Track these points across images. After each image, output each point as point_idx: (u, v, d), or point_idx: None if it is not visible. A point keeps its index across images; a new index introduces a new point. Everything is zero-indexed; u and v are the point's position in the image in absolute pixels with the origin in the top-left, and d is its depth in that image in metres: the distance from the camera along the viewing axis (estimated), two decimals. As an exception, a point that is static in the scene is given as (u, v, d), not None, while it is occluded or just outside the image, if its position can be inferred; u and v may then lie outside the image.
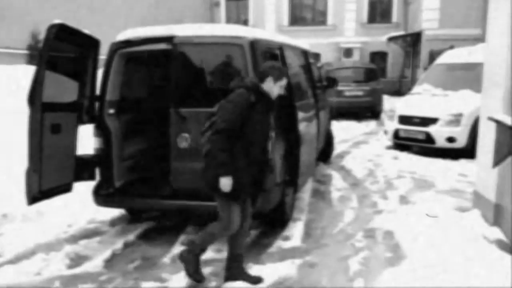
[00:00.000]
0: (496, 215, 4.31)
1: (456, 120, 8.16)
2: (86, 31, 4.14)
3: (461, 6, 17.72)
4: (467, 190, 5.80)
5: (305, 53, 6.60)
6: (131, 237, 4.52)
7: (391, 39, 21.37)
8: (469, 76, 8.44)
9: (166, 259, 4.05)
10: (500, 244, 3.93)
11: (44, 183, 3.81)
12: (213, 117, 3.34)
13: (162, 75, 5.20)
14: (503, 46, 4.25)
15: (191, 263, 3.45)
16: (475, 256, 3.69)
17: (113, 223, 4.90)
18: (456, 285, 3.20)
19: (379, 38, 22.03)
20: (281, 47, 5.03)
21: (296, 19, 24.17)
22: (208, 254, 4.11)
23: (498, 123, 3.72)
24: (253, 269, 3.81)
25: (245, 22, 23.50)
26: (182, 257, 3.49)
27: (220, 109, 3.29)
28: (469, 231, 4.22)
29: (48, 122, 3.81)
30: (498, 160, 3.75)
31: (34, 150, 3.70)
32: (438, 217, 4.66)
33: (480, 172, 4.80)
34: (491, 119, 3.89)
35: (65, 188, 4.13)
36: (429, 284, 3.29)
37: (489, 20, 4.72)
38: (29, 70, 8.12)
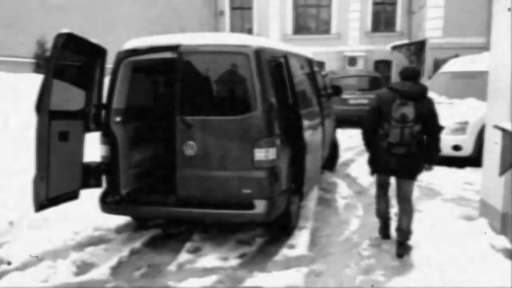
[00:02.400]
0: (503, 224, 4.28)
1: (461, 128, 8.14)
2: (93, 40, 4.19)
3: (465, 15, 17.76)
4: (474, 199, 5.77)
5: (309, 62, 6.63)
6: (137, 244, 4.53)
7: (395, 47, 21.40)
8: (474, 84, 8.43)
9: (172, 267, 4.05)
10: (507, 253, 3.91)
11: (51, 190, 3.83)
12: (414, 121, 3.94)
13: (168, 84, 5.24)
14: (508, 55, 4.26)
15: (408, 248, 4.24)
16: (483, 265, 3.68)
17: (119, 230, 4.91)
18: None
19: (383, 46, 22.07)
20: (286, 55, 5.06)
21: (300, 28, 24.25)
22: (213, 262, 4.13)
23: (504, 131, 3.72)
24: (258, 277, 3.81)
25: (249, 31, 23.59)
26: (403, 251, 4.19)
27: (433, 111, 4.03)
28: (476, 240, 4.20)
29: (55, 129, 3.84)
30: (504, 168, 3.74)
31: (42, 158, 3.73)
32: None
33: (486, 180, 4.78)
34: (496, 127, 3.89)
35: (72, 195, 4.15)
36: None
37: (493, 28, 4.73)
38: (36, 79, 8.19)
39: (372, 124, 4.22)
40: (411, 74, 4.10)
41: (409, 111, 3.91)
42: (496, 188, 4.39)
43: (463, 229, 4.53)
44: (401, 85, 4.08)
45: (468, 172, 7.52)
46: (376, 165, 4.34)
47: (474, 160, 7.50)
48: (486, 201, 4.71)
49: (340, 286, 3.66)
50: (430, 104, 4.03)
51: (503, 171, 3.78)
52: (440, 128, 4.08)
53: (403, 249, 4.19)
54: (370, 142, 4.33)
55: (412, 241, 4.37)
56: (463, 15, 17.79)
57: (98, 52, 4.29)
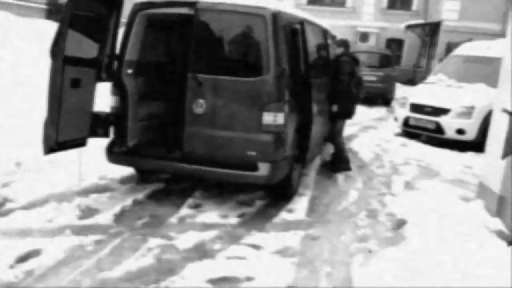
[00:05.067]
0: (499, 207, 4.38)
1: (468, 112, 8.15)
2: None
3: (483, 0, 17.42)
4: (472, 182, 5.85)
5: (324, 32, 6.57)
6: (140, 196, 4.63)
7: (409, 27, 21.09)
8: (485, 70, 8.38)
9: (174, 219, 4.17)
10: (501, 235, 4.01)
11: (60, 135, 3.89)
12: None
13: (182, 40, 5.21)
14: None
15: None
16: (474, 244, 3.78)
17: (123, 181, 5.00)
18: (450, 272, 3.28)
19: (397, 25, 21.74)
20: (302, 22, 5.02)
21: (315, -1, 23.81)
22: (213, 218, 4.25)
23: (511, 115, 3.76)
24: (256, 236, 3.93)
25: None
26: None
27: None
28: (471, 220, 4.30)
29: (68, 75, 3.86)
30: (507, 151, 3.80)
31: (54, 102, 3.77)
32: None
33: (487, 163, 4.85)
34: (505, 111, 3.92)
35: (80, 142, 4.21)
36: (424, 268, 3.37)
37: (511, 15, 4.69)
38: (48, 25, 8.15)
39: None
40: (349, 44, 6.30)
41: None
42: (496, 171, 4.46)
43: (459, 209, 4.63)
44: (353, 54, 6.25)
45: (469, 156, 7.59)
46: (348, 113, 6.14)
47: (477, 145, 7.55)
48: (484, 183, 4.79)
49: (334, 251, 3.78)
50: None
51: (506, 154, 3.84)
52: None
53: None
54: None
55: (407, 216, 4.49)
56: (481, 0, 17.45)
57: (114, 2, 4.26)
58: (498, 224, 4.17)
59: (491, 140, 4.82)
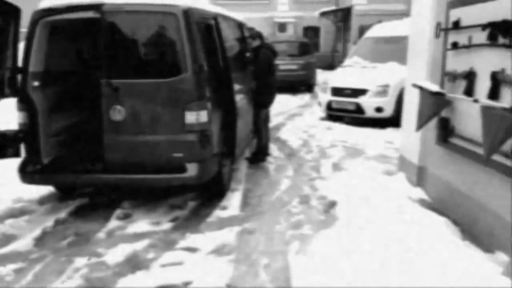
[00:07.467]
0: (419, 177, 4.64)
1: (383, 91, 8.58)
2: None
3: (388, -17, 18.40)
4: (394, 156, 6.15)
5: (240, 25, 6.56)
6: (62, 214, 4.34)
7: (323, 14, 21.80)
8: (395, 49, 8.84)
9: (101, 234, 3.95)
10: (423, 203, 4.25)
11: (-38, 161, 3.54)
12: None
13: (92, 45, 4.96)
14: (426, 20, 4.49)
15: None
16: (400, 214, 3.96)
17: (42, 201, 4.66)
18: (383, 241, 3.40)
19: (312, 13, 22.40)
20: (216, 17, 4.96)
21: (230, -7, 23.80)
22: (145, 227, 4.09)
23: (421, 89, 3.97)
24: (191, 238, 3.84)
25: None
26: None
27: None
28: (395, 192, 4.51)
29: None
30: (421, 123, 4.02)
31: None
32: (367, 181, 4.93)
33: (404, 137, 5.11)
34: (415, 85, 4.14)
35: (-13, 166, 3.87)
36: (359, 243, 3.48)
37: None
38: None
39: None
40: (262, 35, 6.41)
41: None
42: (413, 144, 4.71)
43: (384, 183, 4.83)
44: (271, 45, 6.39)
45: (389, 132, 8.00)
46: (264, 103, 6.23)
47: (395, 120, 7.96)
48: (404, 156, 5.05)
49: (271, 242, 3.79)
50: None
51: (419, 126, 4.06)
52: None
53: None
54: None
55: (337, 197, 4.61)
56: (386, -17, 18.43)
57: (11, 11, 3.93)
58: (419, 193, 4.42)
59: (405, 114, 5.08)
